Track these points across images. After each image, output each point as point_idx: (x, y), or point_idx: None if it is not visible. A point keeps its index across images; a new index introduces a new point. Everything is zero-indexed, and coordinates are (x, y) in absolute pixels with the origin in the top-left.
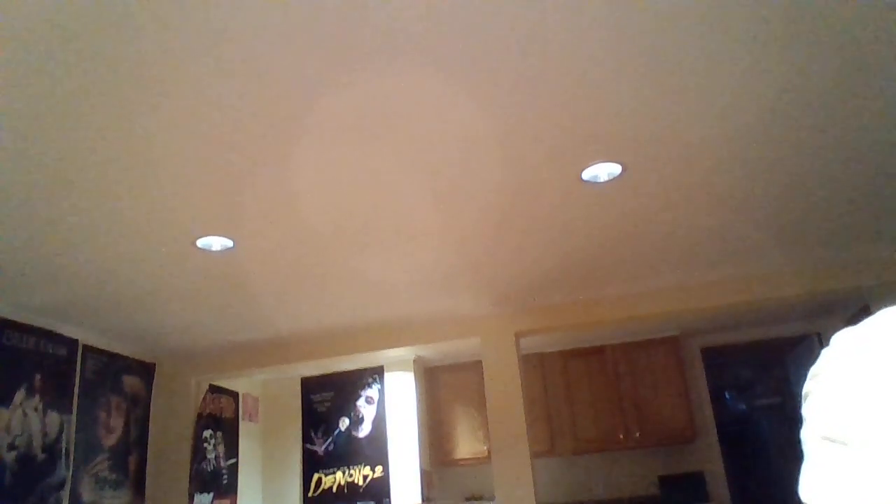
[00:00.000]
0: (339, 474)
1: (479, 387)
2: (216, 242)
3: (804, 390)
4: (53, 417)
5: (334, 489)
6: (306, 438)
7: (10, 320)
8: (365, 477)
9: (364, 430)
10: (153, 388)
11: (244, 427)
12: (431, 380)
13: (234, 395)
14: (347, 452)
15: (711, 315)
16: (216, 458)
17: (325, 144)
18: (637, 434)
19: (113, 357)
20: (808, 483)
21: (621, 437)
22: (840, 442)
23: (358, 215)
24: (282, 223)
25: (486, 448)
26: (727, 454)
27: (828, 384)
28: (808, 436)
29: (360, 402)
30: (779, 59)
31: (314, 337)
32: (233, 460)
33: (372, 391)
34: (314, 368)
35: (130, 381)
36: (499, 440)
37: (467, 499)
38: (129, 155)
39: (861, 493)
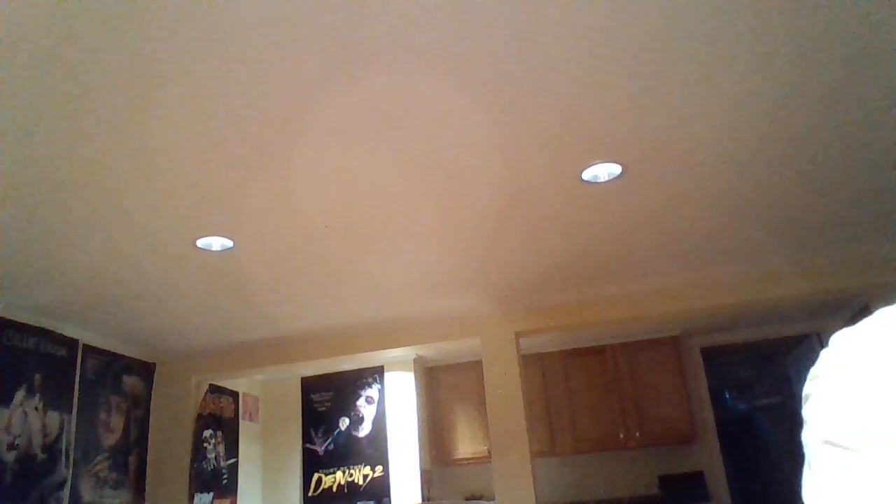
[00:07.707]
0: (339, 474)
1: (479, 387)
2: (216, 242)
3: (804, 392)
4: (53, 417)
5: (334, 489)
6: (306, 438)
7: (10, 320)
8: (365, 476)
9: (364, 430)
10: (153, 388)
11: (244, 427)
12: (431, 379)
13: (234, 395)
14: (347, 452)
15: (711, 315)
16: (216, 457)
17: (326, 145)
18: (637, 434)
19: (113, 357)
20: (811, 488)
21: (621, 437)
22: (842, 446)
23: (358, 215)
24: (282, 223)
25: (486, 448)
26: (727, 454)
27: (828, 386)
28: (810, 439)
29: (360, 402)
30: (779, 59)
31: (314, 337)
32: (233, 460)
33: (372, 391)
34: (314, 368)
35: (130, 381)
36: (499, 440)
37: (467, 498)
38: (129, 155)
39: (864, 499)
